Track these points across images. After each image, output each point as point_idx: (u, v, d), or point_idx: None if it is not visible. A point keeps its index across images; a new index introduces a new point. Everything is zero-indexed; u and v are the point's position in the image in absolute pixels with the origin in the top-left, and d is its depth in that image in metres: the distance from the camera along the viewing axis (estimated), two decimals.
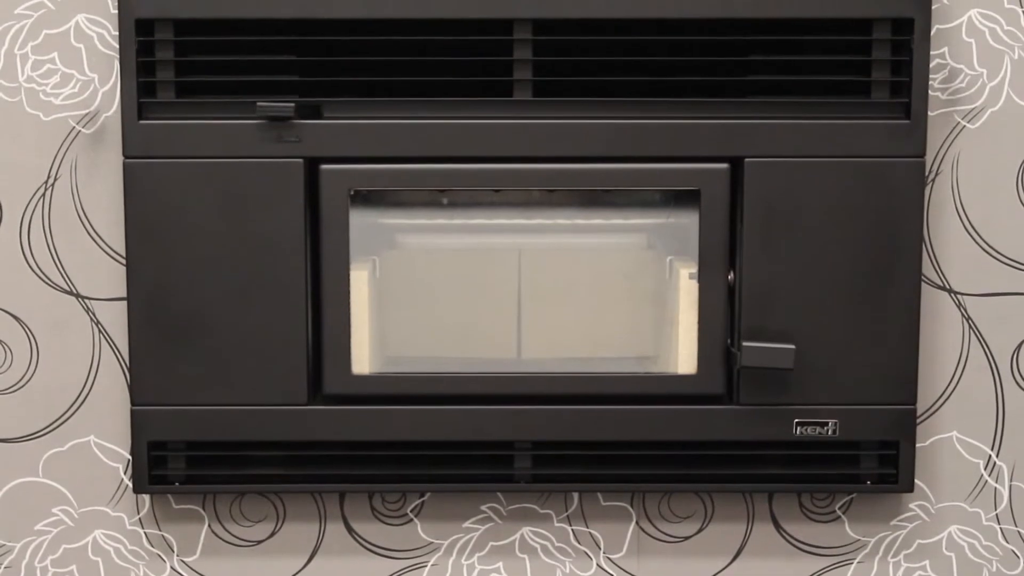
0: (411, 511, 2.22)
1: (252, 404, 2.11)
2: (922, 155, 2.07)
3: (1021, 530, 2.23)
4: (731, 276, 2.10)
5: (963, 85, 2.13)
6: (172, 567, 2.22)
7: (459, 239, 2.19)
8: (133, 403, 2.12)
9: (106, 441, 2.19)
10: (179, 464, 2.14)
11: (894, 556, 2.23)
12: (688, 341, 2.11)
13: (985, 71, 2.12)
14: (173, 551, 2.22)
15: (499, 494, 2.21)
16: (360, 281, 2.10)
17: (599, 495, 2.21)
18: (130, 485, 2.19)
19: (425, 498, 2.21)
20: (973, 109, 2.13)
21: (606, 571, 2.23)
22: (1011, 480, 2.22)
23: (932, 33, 2.09)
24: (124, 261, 2.12)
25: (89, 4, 2.10)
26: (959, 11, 2.11)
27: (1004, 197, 2.15)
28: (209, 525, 2.21)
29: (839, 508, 2.22)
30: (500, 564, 2.23)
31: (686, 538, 2.23)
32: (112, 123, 2.12)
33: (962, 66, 2.13)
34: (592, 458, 2.15)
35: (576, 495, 2.21)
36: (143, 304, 2.09)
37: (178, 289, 2.08)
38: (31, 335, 2.17)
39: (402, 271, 2.18)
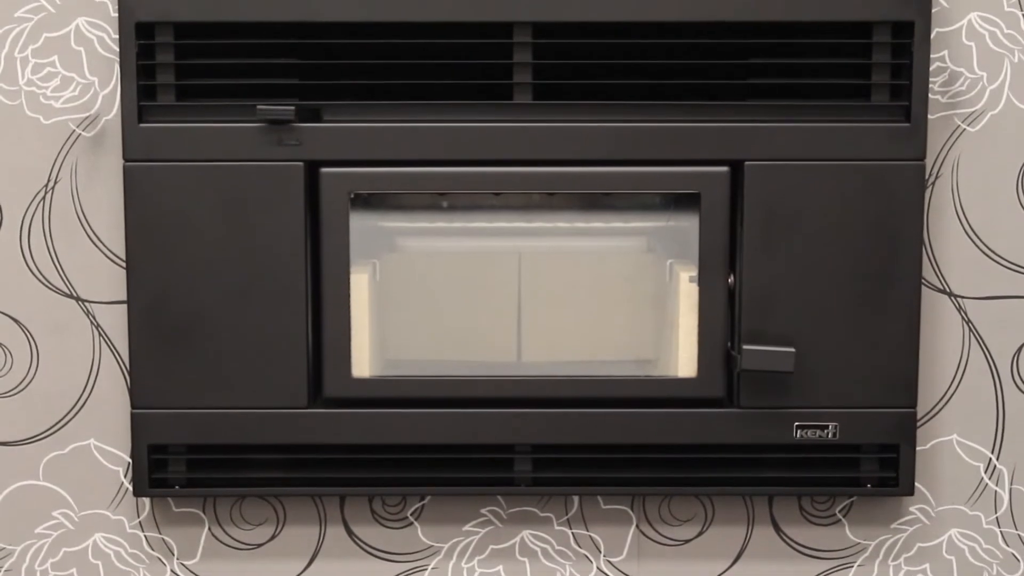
0: (411, 514, 2.22)
1: (252, 407, 2.11)
2: (922, 158, 2.07)
3: (1021, 533, 2.23)
4: (731, 279, 2.10)
5: (963, 88, 2.13)
6: (172, 570, 2.22)
7: (459, 242, 2.19)
8: (133, 406, 2.12)
9: (106, 444, 2.19)
10: (179, 467, 2.14)
11: (895, 559, 2.23)
12: (688, 344, 2.11)
13: (985, 74, 2.13)
14: (173, 554, 2.22)
15: (499, 497, 2.21)
16: (360, 284, 2.10)
17: (599, 498, 2.21)
18: (130, 488, 2.19)
19: (425, 501, 2.21)
20: (973, 112, 2.13)
21: (606, 574, 2.23)
22: (1011, 483, 2.22)
23: (932, 36, 2.09)
24: (124, 264, 2.12)
25: (89, 7, 2.10)
26: (959, 14, 2.11)
27: (1004, 200, 2.15)
28: (209, 528, 2.21)
29: (839, 511, 2.22)
30: (500, 567, 2.23)
31: (686, 541, 2.23)
32: (112, 126, 2.12)
33: (962, 69, 2.13)
34: (592, 461, 2.15)
35: (576, 498, 2.21)
36: (143, 307, 2.09)
37: (178, 292, 2.08)
38: (31, 338, 2.17)
39: (402, 274, 2.18)
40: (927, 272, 2.16)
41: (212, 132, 2.06)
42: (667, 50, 2.07)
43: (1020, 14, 2.11)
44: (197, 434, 2.11)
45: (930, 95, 2.10)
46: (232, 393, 2.10)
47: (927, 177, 2.13)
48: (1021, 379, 2.19)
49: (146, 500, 2.20)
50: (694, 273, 2.10)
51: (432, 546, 2.22)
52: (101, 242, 2.15)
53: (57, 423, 2.18)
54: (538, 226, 2.19)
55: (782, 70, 2.08)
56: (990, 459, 2.21)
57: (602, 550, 2.23)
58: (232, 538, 2.21)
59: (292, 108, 2.03)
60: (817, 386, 2.11)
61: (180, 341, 2.09)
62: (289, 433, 2.11)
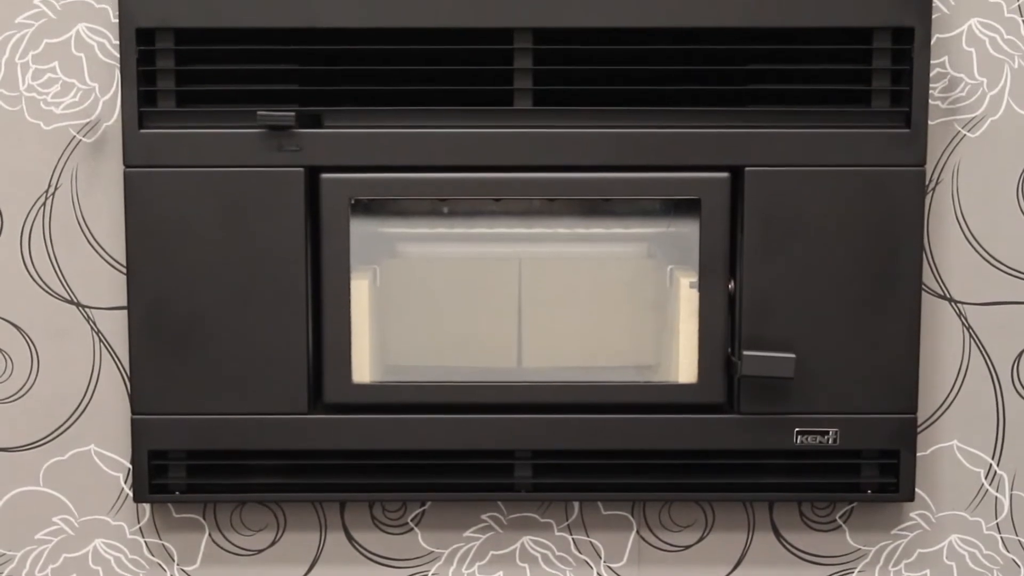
0: (412, 520, 2.22)
1: (253, 413, 2.11)
2: (922, 164, 2.07)
3: (1022, 539, 2.23)
4: (731, 285, 2.10)
5: (963, 94, 2.13)
6: None
7: (459, 248, 2.19)
8: (133, 412, 2.12)
9: (106, 450, 2.19)
10: (179, 473, 2.14)
11: (895, 565, 2.23)
12: (688, 350, 2.11)
13: (985, 80, 2.13)
14: (174, 560, 2.22)
15: (500, 503, 2.21)
16: (361, 290, 2.10)
17: (600, 504, 2.21)
18: (130, 494, 2.19)
19: (426, 507, 2.21)
20: (973, 118, 2.13)
21: None
22: (1012, 489, 2.22)
23: (932, 42, 2.09)
24: (125, 270, 2.12)
25: (90, 13, 2.10)
26: (959, 20, 2.11)
27: (1004, 206, 2.15)
28: (210, 534, 2.21)
29: (840, 517, 2.22)
30: (501, 573, 2.23)
31: (687, 547, 2.22)
32: (113, 132, 2.12)
33: (962, 75, 2.13)
34: (593, 467, 2.15)
35: (577, 504, 2.21)
36: (144, 313, 2.09)
37: (179, 298, 2.08)
38: (31, 344, 2.17)
39: (403, 280, 2.18)
40: (927, 278, 2.16)
41: (212, 138, 2.06)
42: (667, 56, 2.07)
43: (1020, 20, 2.12)
44: (197, 440, 2.11)
45: (930, 101, 2.10)
46: (232, 399, 2.10)
47: (927, 183, 2.14)
48: (1021, 385, 2.19)
49: (146, 506, 2.20)
50: (694, 279, 2.10)
51: (432, 552, 2.22)
52: (102, 248, 2.15)
53: (57, 429, 2.18)
54: (538, 232, 2.19)
55: (782, 76, 2.08)
56: (990, 465, 2.21)
57: (602, 556, 2.23)
58: (232, 544, 2.21)
59: (292, 114, 2.03)
60: (817, 392, 2.11)
61: (180, 347, 2.09)
62: (289, 439, 2.11)
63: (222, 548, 2.21)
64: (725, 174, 2.07)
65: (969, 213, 2.15)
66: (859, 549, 2.23)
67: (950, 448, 2.20)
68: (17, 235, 2.15)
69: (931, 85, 2.10)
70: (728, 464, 2.14)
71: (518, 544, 2.22)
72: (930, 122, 2.11)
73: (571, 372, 2.17)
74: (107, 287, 2.15)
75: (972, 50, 2.12)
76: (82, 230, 2.14)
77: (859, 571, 2.23)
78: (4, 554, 2.21)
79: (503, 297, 2.18)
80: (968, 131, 2.14)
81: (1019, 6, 2.11)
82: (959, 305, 2.17)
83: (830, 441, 2.11)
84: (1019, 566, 2.23)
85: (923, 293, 2.14)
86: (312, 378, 2.12)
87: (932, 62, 2.10)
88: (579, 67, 2.07)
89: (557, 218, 2.19)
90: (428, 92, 2.07)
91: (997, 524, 2.22)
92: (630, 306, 2.19)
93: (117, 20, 2.06)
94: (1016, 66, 2.12)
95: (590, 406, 2.12)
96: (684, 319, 2.11)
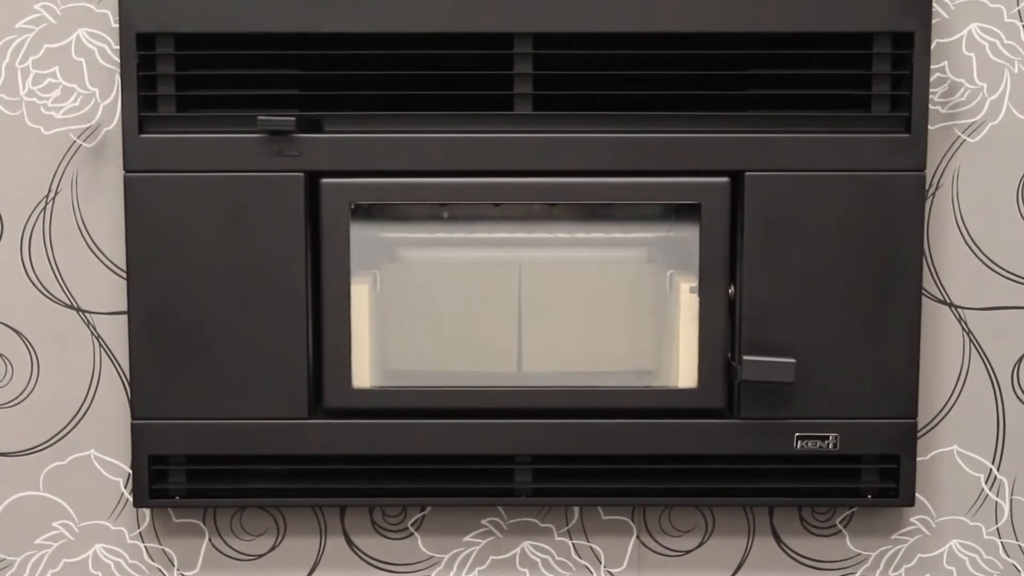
0: (412, 525, 2.22)
1: (253, 418, 2.11)
2: (922, 169, 2.08)
3: (1022, 544, 2.23)
4: (731, 290, 2.10)
5: (963, 99, 2.13)
6: None
7: (460, 253, 2.19)
8: (133, 417, 2.12)
9: (106, 455, 2.19)
10: (179, 478, 2.14)
11: (895, 570, 2.23)
12: (689, 355, 2.11)
13: (985, 85, 2.13)
14: (174, 565, 2.22)
15: (500, 508, 2.21)
16: (361, 295, 2.10)
17: (600, 509, 2.21)
18: (130, 499, 2.19)
19: (426, 512, 2.21)
20: (973, 123, 2.13)
21: None
22: (1012, 494, 2.21)
23: (932, 47, 2.09)
24: (125, 275, 2.12)
25: (90, 18, 2.10)
26: (959, 25, 2.12)
27: (1004, 211, 2.15)
28: (210, 539, 2.21)
29: (840, 522, 2.22)
30: None
31: (687, 552, 2.22)
32: (113, 137, 2.12)
33: (962, 80, 2.13)
34: (593, 472, 2.15)
35: (577, 509, 2.21)
36: (144, 318, 2.09)
37: (179, 303, 2.08)
38: (32, 349, 2.17)
39: (403, 285, 2.18)
40: (927, 283, 2.16)
41: (212, 143, 2.06)
42: (667, 61, 2.07)
43: (1020, 25, 2.12)
44: (197, 444, 2.11)
45: (930, 106, 2.10)
46: (232, 403, 2.10)
47: (927, 188, 2.14)
48: (1021, 390, 2.19)
49: (146, 511, 2.20)
50: (694, 284, 2.10)
51: (432, 557, 2.22)
52: (102, 252, 2.15)
53: (57, 434, 2.18)
54: (538, 237, 2.19)
55: (782, 81, 2.09)
56: (991, 470, 2.21)
57: (602, 560, 2.23)
58: (232, 548, 2.21)
59: (292, 119, 2.03)
60: (817, 397, 2.11)
61: (180, 351, 2.09)
62: (289, 443, 2.11)
63: (222, 553, 2.21)
64: (725, 179, 2.07)
65: (969, 218, 2.15)
66: (859, 554, 2.22)
67: (950, 453, 2.20)
68: (17, 240, 2.15)
69: (931, 90, 2.11)
70: (728, 469, 2.14)
71: (518, 549, 2.22)
72: (930, 127, 2.11)
73: (571, 377, 2.17)
74: (107, 292, 2.15)
75: (972, 55, 2.12)
76: (82, 235, 2.14)
77: None
78: (4, 559, 2.21)
79: (503, 302, 2.18)
80: (968, 136, 2.14)
81: (1019, 11, 2.11)
82: (959, 310, 2.17)
83: (830, 446, 2.11)
84: (1019, 571, 2.23)
85: (923, 298, 2.14)
86: (312, 383, 2.12)
87: (932, 67, 2.10)
88: (579, 72, 2.07)
89: (557, 223, 2.19)
90: (428, 97, 2.07)
91: (997, 529, 2.22)
92: (630, 311, 2.19)
93: (117, 25, 2.06)
94: (1016, 71, 2.12)
95: (590, 411, 2.12)
96: (684, 324, 2.11)
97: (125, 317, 2.14)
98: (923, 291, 2.14)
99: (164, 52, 2.05)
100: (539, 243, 2.19)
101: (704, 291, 2.09)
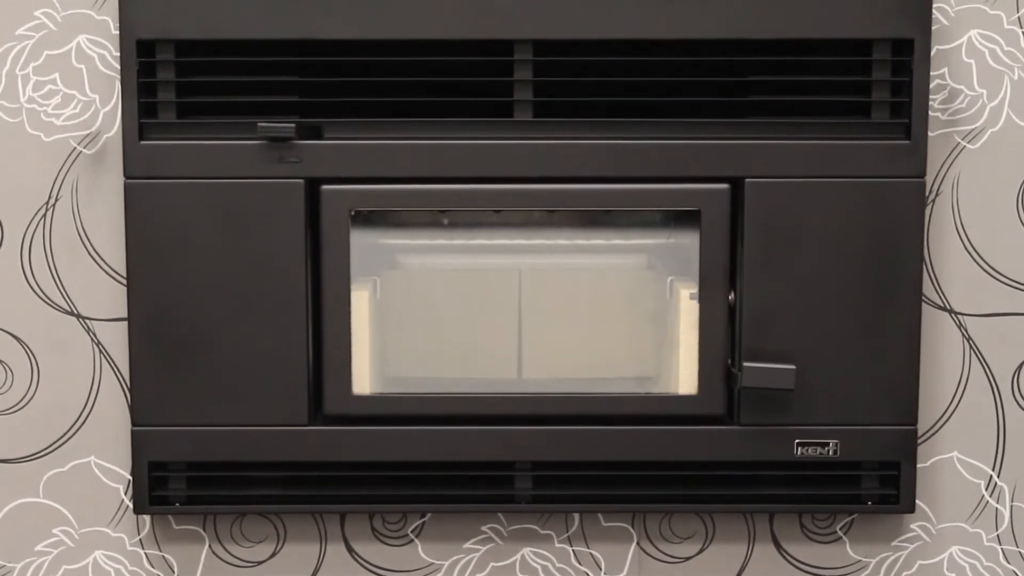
0: (412, 532, 2.21)
1: (253, 424, 2.11)
2: (922, 175, 2.08)
3: (1022, 551, 2.23)
4: (732, 296, 2.10)
5: (963, 105, 2.13)
6: None
7: (460, 259, 2.19)
8: (134, 423, 2.12)
9: (107, 462, 2.19)
10: (180, 485, 2.14)
11: None
12: (689, 361, 2.11)
13: (985, 91, 2.13)
14: (174, 572, 2.22)
15: (500, 515, 2.21)
16: (361, 301, 2.10)
17: (600, 515, 2.21)
18: (131, 506, 2.19)
19: (426, 519, 2.21)
20: (973, 130, 2.13)
21: None
22: (1012, 500, 2.21)
23: (932, 54, 2.09)
24: (125, 281, 2.12)
25: (90, 25, 2.11)
26: (959, 32, 2.12)
27: (1004, 217, 2.15)
28: (210, 546, 2.21)
29: (840, 529, 2.22)
30: None
31: (687, 559, 2.22)
32: (113, 144, 2.12)
33: (962, 87, 2.13)
34: (593, 478, 2.15)
35: (577, 516, 2.21)
36: (144, 324, 2.09)
37: (179, 309, 2.08)
38: (32, 355, 2.17)
39: (403, 291, 2.18)
40: (927, 289, 2.16)
41: (213, 149, 2.06)
42: (667, 67, 2.07)
43: (1020, 31, 2.12)
44: (197, 451, 2.11)
45: (930, 112, 2.10)
46: (232, 410, 2.10)
47: (927, 194, 2.14)
48: (1022, 396, 2.19)
49: (146, 517, 2.20)
50: (694, 290, 2.10)
51: (433, 563, 2.22)
52: (102, 259, 2.15)
53: (57, 440, 2.18)
54: (538, 243, 2.19)
55: (782, 87, 2.09)
56: (991, 476, 2.21)
57: (603, 567, 2.22)
58: (232, 555, 2.21)
59: (293, 125, 2.03)
60: (817, 403, 2.10)
61: (181, 358, 2.09)
62: (289, 450, 2.11)
63: (222, 560, 2.21)
64: (725, 185, 2.07)
65: (969, 224, 2.15)
66: (860, 561, 2.22)
67: (950, 459, 2.20)
68: (17, 246, 2.15)
69: (931, 97, 2.11)
70: (728, 475, 2.14)
71: (518, 556, 2.22)
72: (930, 133, 2.11)
73: (571, 383, 2.17)
74: (107, 298, 2.15)
75: (972, 62, 2.12)
76: (82, 241, 2.14)
77: None
78: (4, 566, 2.21)
79: (503, 308, 2.18)
80: (968, 142, 2.14)
81: (1019, 18, 2.12)
82: (959, 316, 2.17)
83: (830, 452, 2.11)
84: None
85: (923, 304, 2.14)
86: (312, 389, 2.12)
87: (932, 73, 2.10)
88: (579, 79, 2.07)
89: (557, 229, 2.19)
90: (428, 104, 2.07)
91: (998, 535, 2.22)
92: (630, 317, 2.19)
93: (118, 32, 2.06)
94: (1016, 77, 2.12)
95: (590, 417, 2.12)
96: (684, 330, 2.11)
97: (125, 324, 2.14)
98: (923, 297, 2.14)
99: (164, 59, 2.06)
100: (539, 249, 2.19)
101: (704, 297, 2.09)
